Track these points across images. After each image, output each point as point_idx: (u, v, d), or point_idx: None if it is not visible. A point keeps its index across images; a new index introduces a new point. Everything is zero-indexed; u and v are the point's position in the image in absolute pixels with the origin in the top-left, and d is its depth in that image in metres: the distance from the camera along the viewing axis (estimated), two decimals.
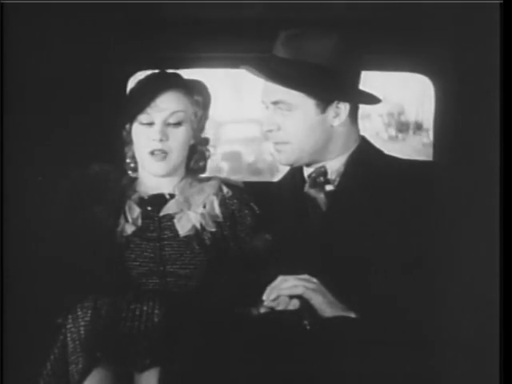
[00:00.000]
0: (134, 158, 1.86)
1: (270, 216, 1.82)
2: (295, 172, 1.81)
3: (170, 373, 1.47)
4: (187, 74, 1.90)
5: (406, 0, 1.80)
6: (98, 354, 1.54)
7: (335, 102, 1.68)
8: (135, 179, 1.89)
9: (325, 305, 1.54)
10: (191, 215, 1.81)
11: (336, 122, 1.70)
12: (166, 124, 1.79)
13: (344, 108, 1.69)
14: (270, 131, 1.72)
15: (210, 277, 1.78)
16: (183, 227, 1.80)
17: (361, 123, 1.77)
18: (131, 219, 1.81)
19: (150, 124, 1.79)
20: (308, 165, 1.75)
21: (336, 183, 1.72)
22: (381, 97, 1.74)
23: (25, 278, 1.68)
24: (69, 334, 1.58)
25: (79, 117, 2.00)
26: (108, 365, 1.54)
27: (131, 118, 1.81)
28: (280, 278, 1.57)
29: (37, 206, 1.77)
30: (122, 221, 1.80)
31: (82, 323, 1.57)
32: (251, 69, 1.71)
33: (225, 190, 1.85)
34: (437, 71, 2.16)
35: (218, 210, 1.83)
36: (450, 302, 1.54)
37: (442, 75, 2.15)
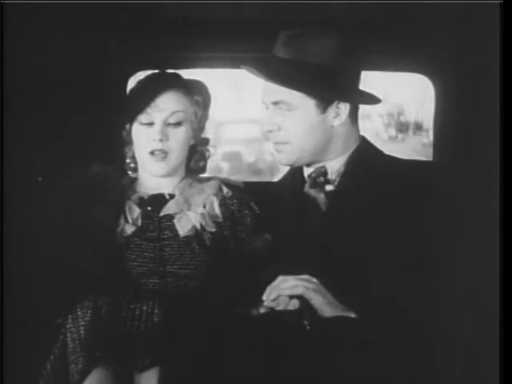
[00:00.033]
0: (133, 158, 1.86)
1: (270, 216, 1.82)
2: (295, 172, 1.81)
3: (169, 372, 1.47)
4: (187, 74, 1.90)
5: (406, 0, 1.80)
6: (98, 353, 1.53)
7: (335, 103, 1.68)
8: (135, 179, 1.89)
9: (325, 305, 1.54)
10: (191, 215, 1.81)
11: (336, 122, 1.70)
12: (166, 124, 1.79)
13: (344, 108, 1.69)
14: (271, 131, 1.72)
15: (210, 277, 1.78)
16: (183, 227, 1.80)
17: (361, 123, 1.77)
18: (131, 219, 1.81)
19: (150, 124, 1.79)
20: (308, 165, 1.75)
21: (336, 183, 1.72)
22: (381, 97, 1.74)
23: (25, 278, 1.68)
24: (69, 334, 1.58)
25: (79, 117, 2.00)
26: (108, 364, 1.54)
27: (131, 118, 1.81)
28: (280, 278, 1.57)
29: (37, 205, 1.77)
30: (121, 221, 1.80)
31: (82, 323, 1.57)
32: (251, 69, 1.71)
33: (225, 190, 1.85)
34: (437, 71, 2.16)
35: (217, 210, 1.83)
36: (450, 302, 1.54)
37: (441, 75, 2.15)
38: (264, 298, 1.55)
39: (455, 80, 2.07)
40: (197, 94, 1.85)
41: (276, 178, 1.96)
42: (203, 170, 1.92)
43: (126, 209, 1.82)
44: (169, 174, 1.83)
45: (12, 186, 1.60)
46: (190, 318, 1.53)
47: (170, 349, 1.50)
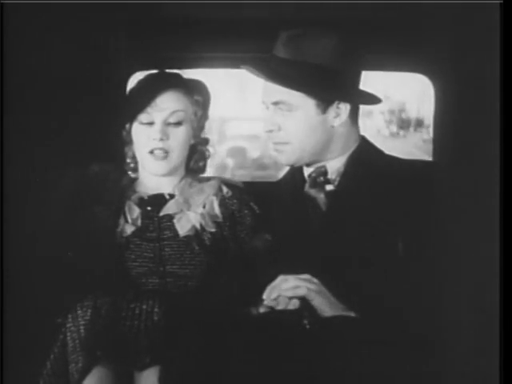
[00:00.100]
0: (134, 157, 1.86)
1: (270, 216, 1.82)
2: (295, 172, 1.81)
3: (169, 371, 1.47)
4: (187, 74, 1.90)
5: (406, 0, 1.80)
6: (98, 352, 1.54)
7: (336, 103, 1.68)
8: (135, 179, 1.89)
9: (325, 305, 1.54)
10: (191, 215, 1.81)
11: (336, 123, 1.70)
12: (166, 123, 1.79)
13: (344, 108, 1.69)
14: (271, 131, 1.72)
15: (210, 277, 1.77)
16: (183, 227, 1.80)
17: (362, 121, 1.77)
18: (131, 219, 1.81)
19: (150, 123, 1.79)
20: (308, 165, 1.75)
21: (336, 183, 1.73)
22: (381, 96, 1.74)
23: (25, 278, 1.67)
24: (69, 333, 1.58)
25: (79, 117, 2.00)
26: (108, 363, 1.54)
27: (131, 118, 1.81)
28: (280, 278, 1.56)
29: (37, 206, 1.77)
30: (121, 221, 1.80)
31: (82, 322, 1.57)
32: (251, 69, 1.71)
33: (224, 190, 1.85)
34: (437, 71, 2.16)
35: (217, 210, 1.83)
36: (450, 302, 1.54)
37: (442, 75, 2.15)
38: (264, 297, 1.55)
39: (455, 80, 2.07)
40: (197, 93, 1.85)
41: (281, 173, 1.96)
42: (203, 169, 1.92)
43: (126, 209, 1.82)
44: (169, 174, 1.83)
45: (12, 186, 1.60)
46: (189, 317, 1.54)
47: (169, 348, 1.50)
